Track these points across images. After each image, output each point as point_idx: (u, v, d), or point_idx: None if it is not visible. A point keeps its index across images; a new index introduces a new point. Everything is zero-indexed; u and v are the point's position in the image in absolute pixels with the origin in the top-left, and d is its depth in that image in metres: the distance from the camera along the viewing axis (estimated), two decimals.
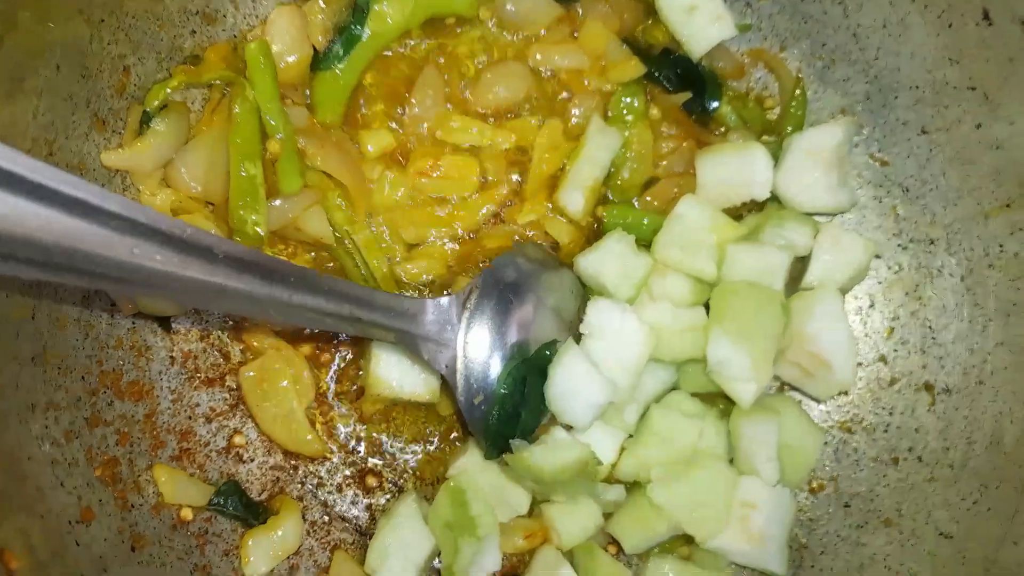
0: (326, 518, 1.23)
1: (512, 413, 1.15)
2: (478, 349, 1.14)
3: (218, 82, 1.16)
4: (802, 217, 1.32)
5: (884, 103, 1.33)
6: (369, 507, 1.26)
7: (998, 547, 1.15)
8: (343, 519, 1.24)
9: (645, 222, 1.33)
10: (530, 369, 1.15)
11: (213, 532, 1.13)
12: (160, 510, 1.07)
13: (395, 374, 1.22)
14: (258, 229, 1.08)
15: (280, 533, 1.15)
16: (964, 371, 1.28)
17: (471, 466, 1.23)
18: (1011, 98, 1.19)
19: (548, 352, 1.17)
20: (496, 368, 1.15)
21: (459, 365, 1.12)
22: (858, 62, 1.33)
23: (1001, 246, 1.25)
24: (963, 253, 1.29)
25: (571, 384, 1.16)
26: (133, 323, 1.10)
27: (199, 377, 1.17)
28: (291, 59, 1.17)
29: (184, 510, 1.10)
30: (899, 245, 1.36)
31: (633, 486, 1.32)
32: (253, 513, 1.16)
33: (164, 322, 1.13)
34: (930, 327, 1.32)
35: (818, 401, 1.35)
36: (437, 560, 1.27)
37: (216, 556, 1.11)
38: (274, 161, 1.12)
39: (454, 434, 1.29)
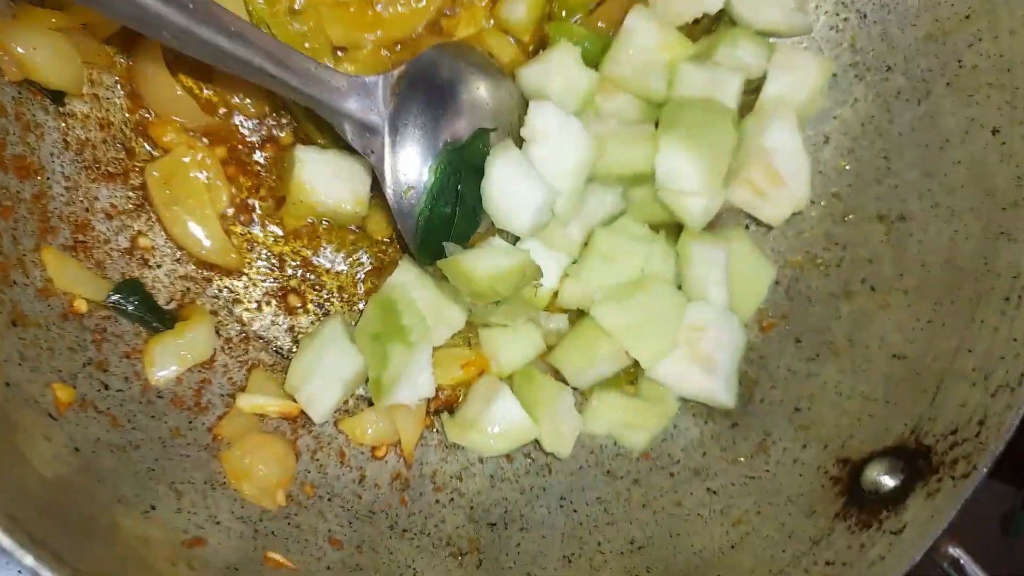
0: (243, 336, 1.13)
1: (445, 211, 1.06)
2: (408, 138, 1.05)
3: None
4: (757, 37, 1.25)
5: None
6: (291, 329, 1.16)
7: (956, 357, 1.11)
8: (262, 339, 1.14)
9: (589, 44, 1.25)
10: (464, 162, 1.06)
11: (112, 332, 1.02)
12: (48, 295, 0.96)
13: (320, 180, 1.12)
14: None
15: (189, 339, 1.05)
16: (919, 195, 1.23)
17: (404, 280, 1.14)
18: None
19: (483, 147, 1.08)
20: (428, 163, 1.06)
21: (386, 153, 1.03)
22: None
23: (959, 61, 1.20)
24: (920, 75, 1.24)
25: (509, 183, 1.08)
26: (19, 92, 0.98)
27: (98, 169, 1.05)
28: None
29: (78, 301, 0.98)
30: (856, 76, 1.30)
31: (577, 317, 1.25)
32: (159, 317, 1.05)
33: (57, 98, 1.01)
34: (885, 157, 1.27)
35: (770, 228, 1.29)
36: (364, 389, 1.18)
37: (114, 356, 1.00)
38: None
39: (387, 256, 1.20)
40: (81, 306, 0.99)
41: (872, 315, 1.23)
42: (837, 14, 1.31)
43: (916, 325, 1.18)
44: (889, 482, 1.02)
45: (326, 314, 1.18)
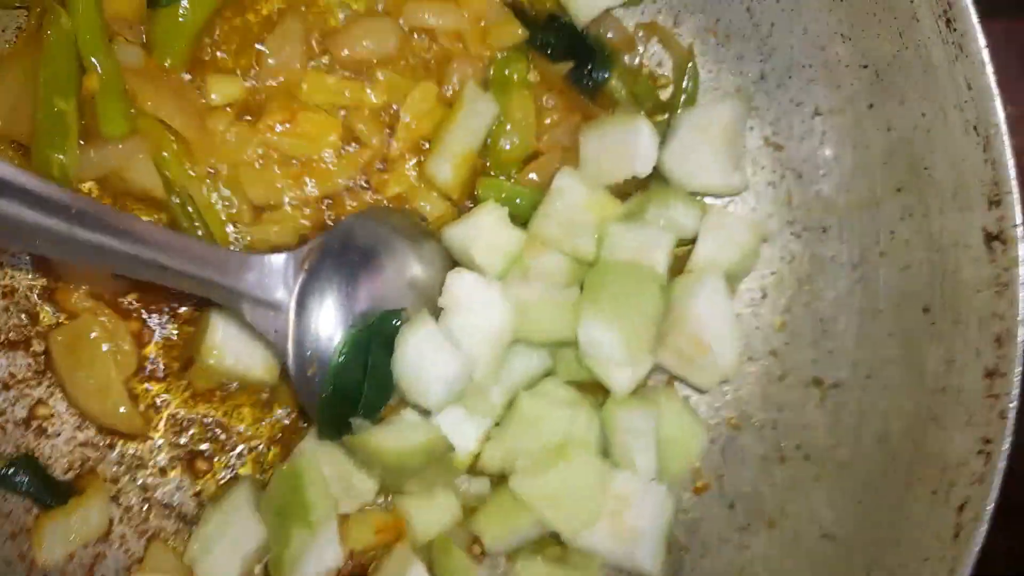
0: (144, 504, 1.09)
1: (351, 387, 1.03)
2: (315, 314, 1.02)
3: (38, 10, 1.04)
4: (688, 197, 1.24)
5: (778, 83, 1.27)
6: (198, 494, 1.12)
7: (883, 548, 1.07)
8: (165, 506, 1.11)
9: (520, 201, 1.23)
10: (374, 338, 1.04)
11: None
12: None
13: (231, 346, 1.09)
14: (65, 171, 0.96)
15: (82, 515, 1.01)
16: (854, 364, 1.20)
17: (312, 449, 1.11)
18: (901, 76, 1.14)
19: (396, 322, 1.05)
20: (336, 338, 1.03)
21: (290, 330, 1.00)
22: (752, 39, 1.27)
23: (892, 232, 1.18)
24: (855, 240, 1.22)
25: (421, 357, 1.05)
26: None
27: None
28: None
29: None
30: (792, 233, 1.28)
31: (499, 479, 1.21)
32: (52, 492, 1.02)
33: None
34: (821, 319, 1.25)
35: (702, 392, 1.25)
36: None
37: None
38: (92, 99, 1.01)
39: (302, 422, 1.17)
40: None
41: (805, 485, 1.20)
42: (774, 171, 1.30)
43: (847, 504, 1.14)
44: None
45: (235, 478, 1.14)
